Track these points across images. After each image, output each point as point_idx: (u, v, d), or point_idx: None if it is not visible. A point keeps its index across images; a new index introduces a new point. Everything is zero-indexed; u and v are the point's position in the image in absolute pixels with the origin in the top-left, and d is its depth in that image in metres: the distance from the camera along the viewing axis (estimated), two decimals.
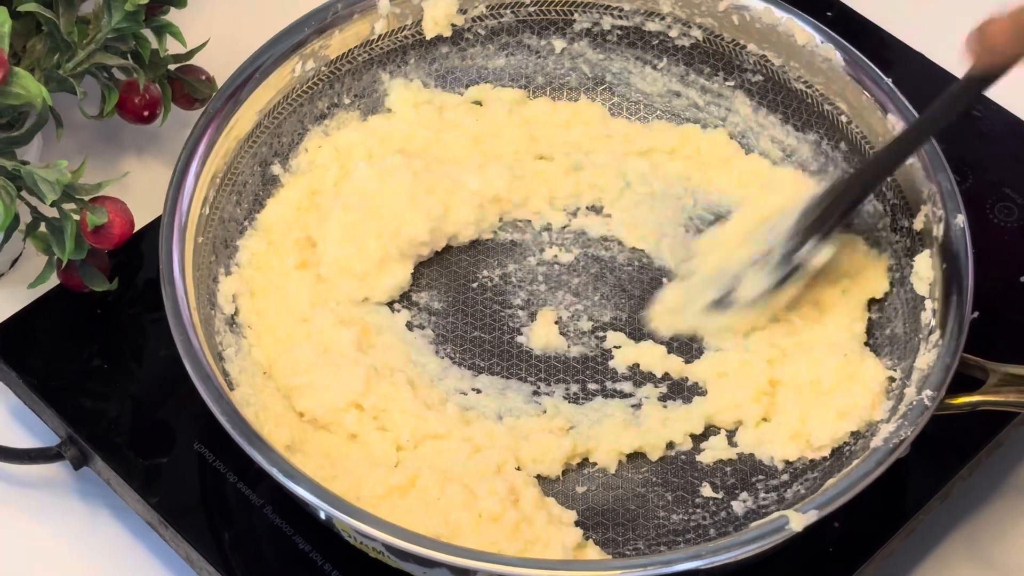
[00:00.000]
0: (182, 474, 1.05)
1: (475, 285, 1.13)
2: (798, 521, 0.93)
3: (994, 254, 1.14)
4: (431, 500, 0.99)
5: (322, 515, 0.94)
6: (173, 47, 1.19)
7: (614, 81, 1.21)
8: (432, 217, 1.12)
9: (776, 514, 0.94)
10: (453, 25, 1.18)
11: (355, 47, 1.16)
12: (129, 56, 1.15)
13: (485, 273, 1.14)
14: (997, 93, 1.25)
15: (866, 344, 1.08)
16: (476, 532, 0.98)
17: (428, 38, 1.18)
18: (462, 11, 1.18)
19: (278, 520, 1.02)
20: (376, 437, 1.03)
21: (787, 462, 1.05)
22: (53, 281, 1.11)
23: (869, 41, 1.25)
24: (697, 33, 1.18)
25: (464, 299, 1.13)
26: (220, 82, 1.12)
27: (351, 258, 1.10)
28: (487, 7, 1.19)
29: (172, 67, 1.19)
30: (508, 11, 1.19)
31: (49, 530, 1.08)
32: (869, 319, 1.09)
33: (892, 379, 1.04)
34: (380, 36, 1.17)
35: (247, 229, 1.11)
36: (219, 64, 1.16)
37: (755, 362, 1.07)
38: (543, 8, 1.19)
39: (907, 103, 1.10)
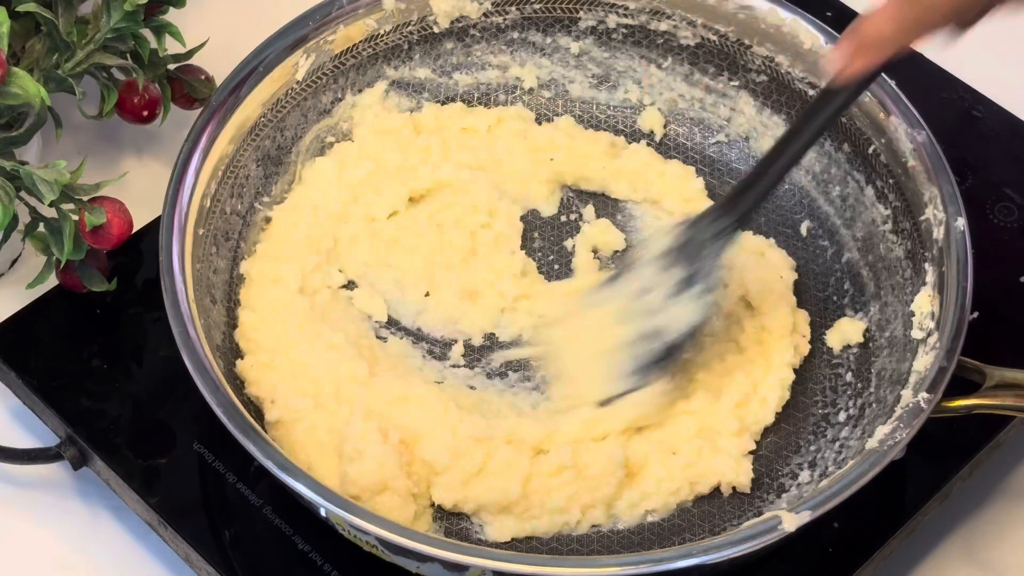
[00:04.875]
0: (182, 474, 1.05)
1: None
2: (791, 521, 0.92)
3: (994, 254, 1.14)
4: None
5: (323, 512, 0.94)
6: (172, 47, 1.19)
7: (618, 79, 1.22)
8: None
9: (769, 514, 0.94)
10: (459, 20, 1.18)
11: (359, 42, 1.16)
12: (128, 56, 1.15)
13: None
14: (997, 93, 1.25)
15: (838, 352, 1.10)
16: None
17: (438, 31, 1.18)
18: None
19: (277, 520, 1.02)
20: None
21: None
22: (52, 281, 1.11)
23: None
24: (702, 32, 1.18)
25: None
26: (219, 82, 1.12)
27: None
28: (492, 3, 1.19)
29: (171, 67, 1.19)
30: (513, 8, 1.19)
31: (49, 530, 1.08)
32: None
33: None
34: (385, 31, 1.17)
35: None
36: (218, 64, 1.16)
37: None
38: (549, 5, 1.19)
39: (908, 104, 1.09)
